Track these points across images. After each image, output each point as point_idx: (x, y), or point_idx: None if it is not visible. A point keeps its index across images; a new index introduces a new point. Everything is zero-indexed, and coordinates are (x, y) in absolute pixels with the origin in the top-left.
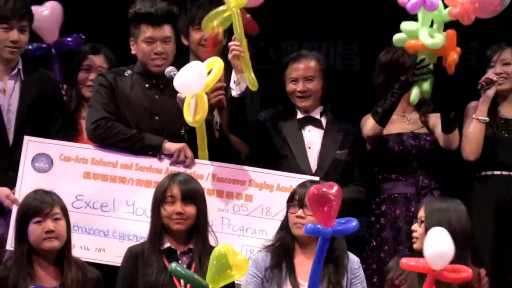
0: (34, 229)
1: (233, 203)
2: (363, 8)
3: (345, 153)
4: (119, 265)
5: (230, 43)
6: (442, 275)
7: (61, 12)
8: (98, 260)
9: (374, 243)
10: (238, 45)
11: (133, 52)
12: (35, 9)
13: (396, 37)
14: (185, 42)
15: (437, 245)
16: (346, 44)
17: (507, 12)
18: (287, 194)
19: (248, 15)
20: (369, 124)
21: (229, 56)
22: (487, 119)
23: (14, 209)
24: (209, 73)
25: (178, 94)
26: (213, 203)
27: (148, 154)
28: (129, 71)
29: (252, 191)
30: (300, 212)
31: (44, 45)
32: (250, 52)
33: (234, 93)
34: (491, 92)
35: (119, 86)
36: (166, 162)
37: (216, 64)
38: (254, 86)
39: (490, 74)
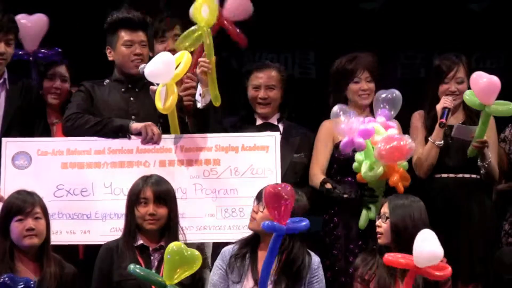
0: (16, 227)
1: (202, 168)
2: (319, 19)
3: (302, 156)
4: (105, 243)
5: (200, 59)
6: (426, 272)
7: (46, 25)
8: (85, 241)
9: (328, 241)
10: (207, 62)
11: (110, 58)
12: (22, 16)
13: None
14: (150, 53)
15: (430, 246)
16: (303, 54)
17: (456, 24)
18: (252, 153)
19: (237, 30)
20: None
21: (198, 71)
22: (442, 143)
23: (0, 207)
24: (178, 66)
25: (150, 87)
26: (184, 172)
27: (118, 136)
28: (107, 80)
29: (219, 155)
30: (255, 206)
31: (21, 53)
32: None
33: (199, 105)
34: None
35: (98, 93)
36: (136, 141)
37: (184, 57)
38: (217, 102)
39: (445, 100)
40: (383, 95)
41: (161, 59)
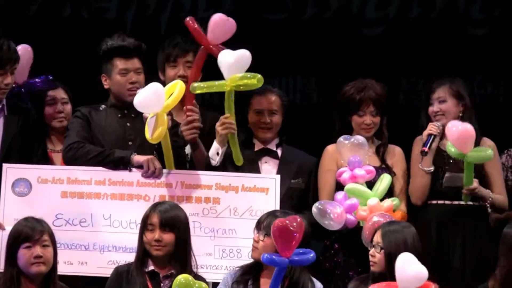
0: (24, 254)
1: (202, 206)
2: (320, 45)
3: (299, 181)
4: (101, 275)
5: (223, 118)
6: None
7: (31, 54)
8: (82, 272)
9: (327, 265)
10: (232, 123)
11: (106, 86)
12: None
13: None
14: (161, 77)
15: (413, 269)
16: (305, 79)
17: (456, 43)
18: (252, 193)
19: None
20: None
21: (221, 130)
22: (432, 169)
23: (0, 234)
24: (171, 95)
25: (143, 114)
26: (183, 209)
27: (119, 168)
28: (103, 106)
29: (219, 194)
30: (256, 235)
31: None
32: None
33: (214, 163)
34: (434, 144)
35: (94, 119)
36: (137, 174)
37: (177, 87)
38: (240, 162)
39: (432, 128)
40: (347, 142)
41: (150, 90)
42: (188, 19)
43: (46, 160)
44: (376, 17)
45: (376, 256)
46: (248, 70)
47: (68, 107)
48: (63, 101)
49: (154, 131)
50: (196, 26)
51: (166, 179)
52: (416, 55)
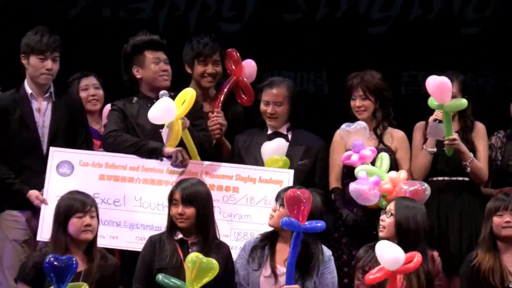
0: (75, 223)
1: (222, 194)
2: (331, 43)
3: (305, 163)
4: (129, 249)
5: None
6: (403, 270)
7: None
8: (112, 246)
9: (336, 235)
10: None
11: (138, 76)
12: None
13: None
14: (188, 70)
15: (392, 253)
16: (317, 73)
17: (455, 39)
18: (268, 185)
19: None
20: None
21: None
22: (435, 150)
23: (42, 207)
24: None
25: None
26: None
27: (151, 157)
28: (135, 98)
29: (238, 183)
30: (274, 206)
31: None
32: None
33: None
34: (429, 125)
35: (128, 111)
36: (167, 163)
37: (188, 95)
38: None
39: (438, 114)
40: (348, 129)
41: (160, 106)
42: (231, 50)
43: (89, 143)
44: (380, 17)
45: (385, 221)
46: (269, 66)
47: (100, 92)
48: (95, 86)
49: (169, 139)
50: (237, 57)
51: (192, 168)
52: (415, 51)
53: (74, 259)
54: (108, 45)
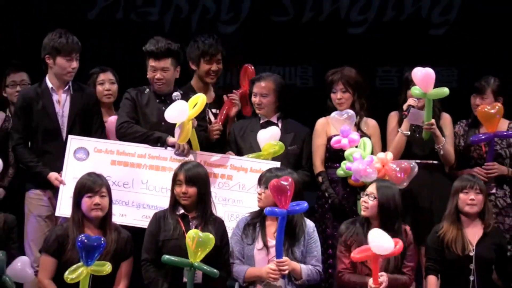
0: (86, 202)
1: (218, 181)
2: (316, 42)
3: (294, 148)
4: (135, 226)
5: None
6: (387, 254)
7: None
8: (121, 222)
9: (320, 211)
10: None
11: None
12: None
13: None
14: (193, 67)
15: (384, 242)
16: (303, 68)
17: (423, 39)
18: (258, 174)
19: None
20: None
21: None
22: (409, 133)
23: (61, 187)
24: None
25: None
26: None
27: (157, 146)
28: (147, 89)
29: (232, 172)
30: (259, 189)
31: None
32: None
33: None
34: (410, 111)
35: (139, 100)
36: (170, 151)
37: (200, 100)
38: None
39: (410, 100)
40: (340, 117)
41: (176, 108)
42: (247, 65)
43: (102, 129)
44: (358, 20)
45: (368, 203)
46: (261, 62)
47: (115, 87)
48: (111, 81)
49: (180, 136)
50: (252, 70)
51: (193, 157)
52: (389, 49)
53: (102, 239)
54: (120, 44)
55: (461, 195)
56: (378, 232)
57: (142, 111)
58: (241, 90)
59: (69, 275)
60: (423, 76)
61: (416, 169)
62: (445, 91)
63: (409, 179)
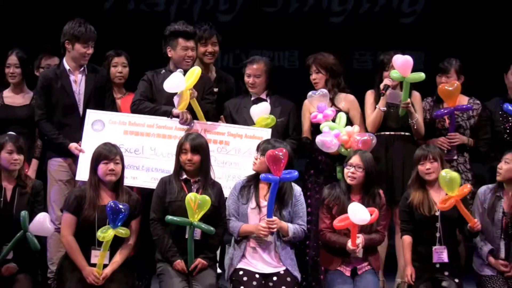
0: (101, 167)
1: (217, 146)
2: (302, 29)
3: (282, 120)
4: (145, 187)
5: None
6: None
7: None
8: (132, 184)
9: (306, 177)
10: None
11: (169, 55)
12: None
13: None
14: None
15: (362, 215)
16: (290, 52)
17: (394, 27)
18: (251, 140)
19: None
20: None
21: None
22: (385, 109)
23: (80, 155)
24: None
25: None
26: None
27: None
28: (163, 70)
29: (229, 138)
30: (256, 155)
31: None
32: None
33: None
34: (388, 91)
35: (155, 81)
36: (175, 122)
37: (195, 72)
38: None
39: (386, 80)
40: (314, 95)
41: (173, 79)
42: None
43: (113, 104)
44: (338, 10)
45: (356, 173)
46: (253, 46)
47: (126, 70)
48: (123, 65)
49: (179, 104)
50: None
51: (195, 126)
52: (364, 36)
53: (127, 207)
54: (132, 31)
55: (419, 167)
56: (357, 206)
57: (158, 88)
58: None
59: (101, 234)
60: (402, 62)
61: (375, 141)
62: (421, 75)
63: (369, 150)
